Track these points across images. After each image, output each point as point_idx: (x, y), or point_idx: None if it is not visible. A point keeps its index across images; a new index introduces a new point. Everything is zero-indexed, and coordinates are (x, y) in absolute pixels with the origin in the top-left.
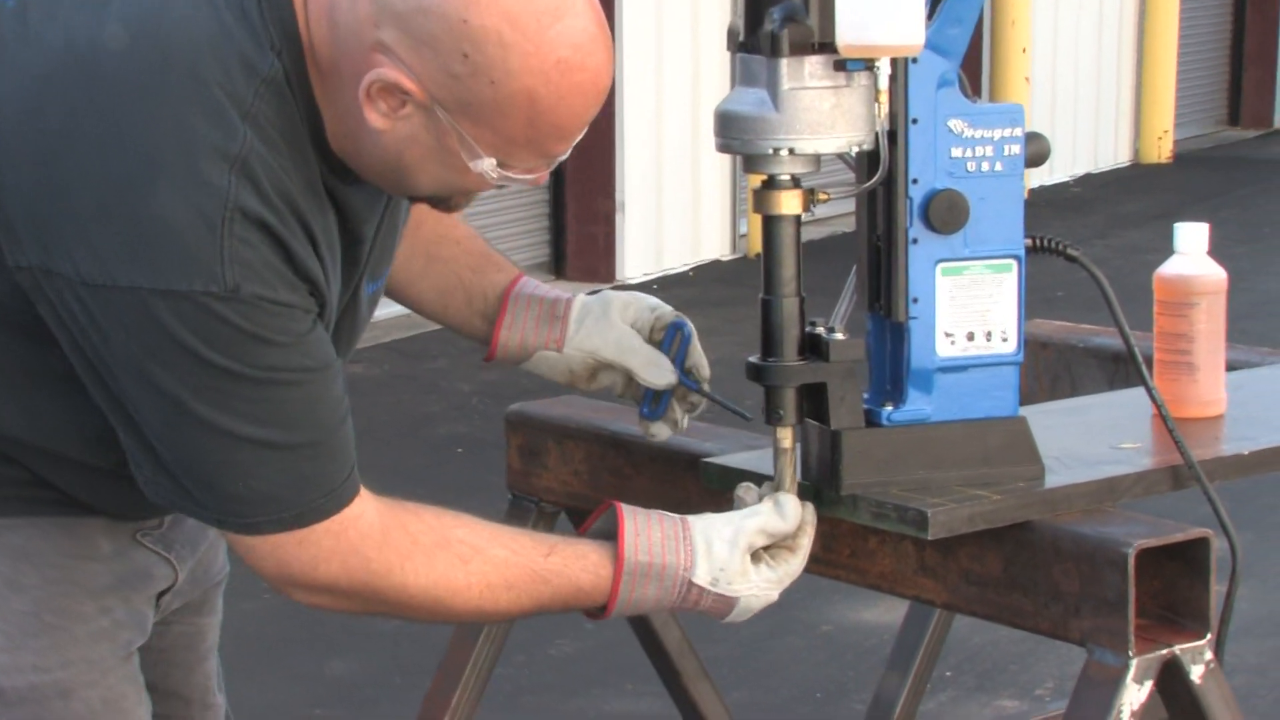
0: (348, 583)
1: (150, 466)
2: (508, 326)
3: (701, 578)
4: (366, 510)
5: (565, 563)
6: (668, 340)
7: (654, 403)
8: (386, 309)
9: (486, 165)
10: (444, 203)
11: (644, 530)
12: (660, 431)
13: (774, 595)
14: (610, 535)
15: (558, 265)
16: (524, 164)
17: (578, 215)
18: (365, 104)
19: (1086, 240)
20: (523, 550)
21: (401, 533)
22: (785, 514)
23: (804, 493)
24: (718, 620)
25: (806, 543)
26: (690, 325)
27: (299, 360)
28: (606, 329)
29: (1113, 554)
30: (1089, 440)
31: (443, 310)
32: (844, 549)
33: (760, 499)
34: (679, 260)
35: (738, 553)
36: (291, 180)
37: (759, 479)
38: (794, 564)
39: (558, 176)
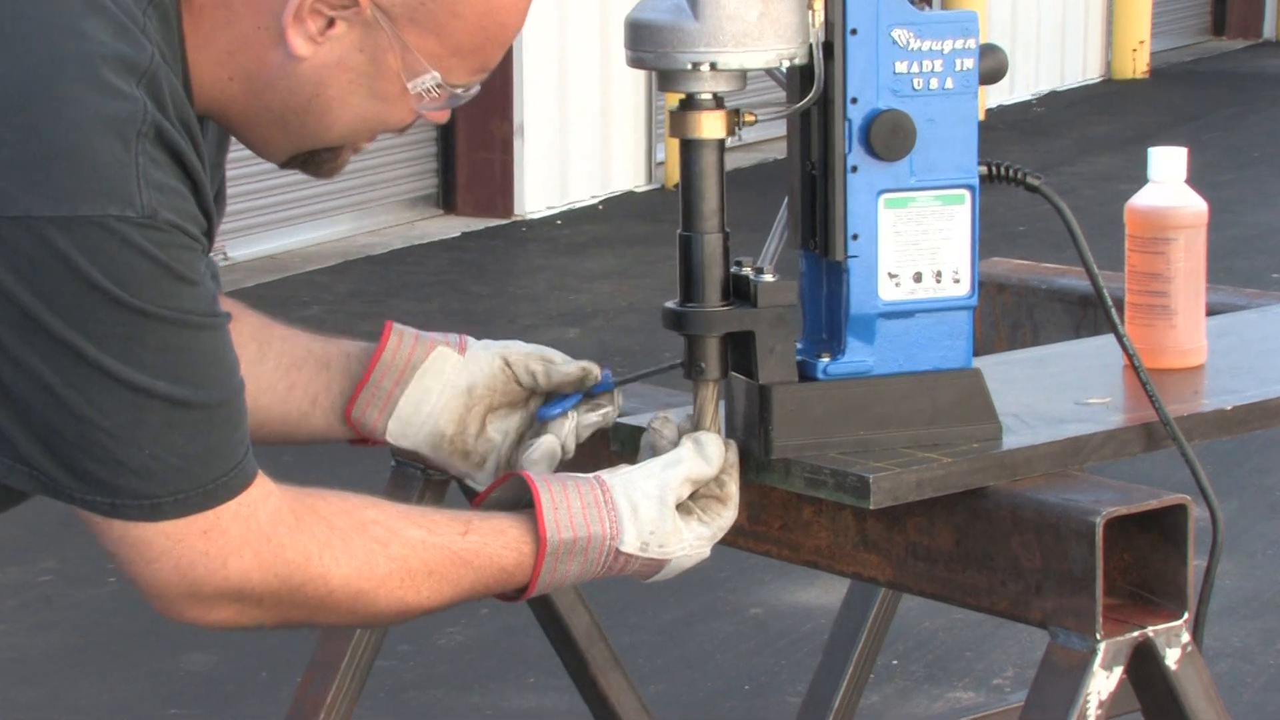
0: (260, 579)
1: (22, 445)
2: (396, 335)
3: (630, 545)
4: (272, 491)
5: (485, 541)
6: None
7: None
8: (250, 247)
9: (429, 81)
10: (331, 160)
11: (561, 502)
12: (540, 456)
13: (706, 552)
14: (513, 505)
15: (447, 199)
16: (464, 78)
17: (470, 140)
18: (292, 27)
19: (1051, 167)
20: (439, 529)
21: (314, 517)
22: (708, 457)
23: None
24: (642, 581)
25: (734, 489)
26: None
27: (208, 303)
28: (510, 341)
29: (1078, 524)
30: (1052, 395)
31: (287, 391)
32: (775, 521)
33: (679, 435)
34: (586, 192)
35: (667, 511)
36: (186, 110)
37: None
38: (726, 516)
39: None
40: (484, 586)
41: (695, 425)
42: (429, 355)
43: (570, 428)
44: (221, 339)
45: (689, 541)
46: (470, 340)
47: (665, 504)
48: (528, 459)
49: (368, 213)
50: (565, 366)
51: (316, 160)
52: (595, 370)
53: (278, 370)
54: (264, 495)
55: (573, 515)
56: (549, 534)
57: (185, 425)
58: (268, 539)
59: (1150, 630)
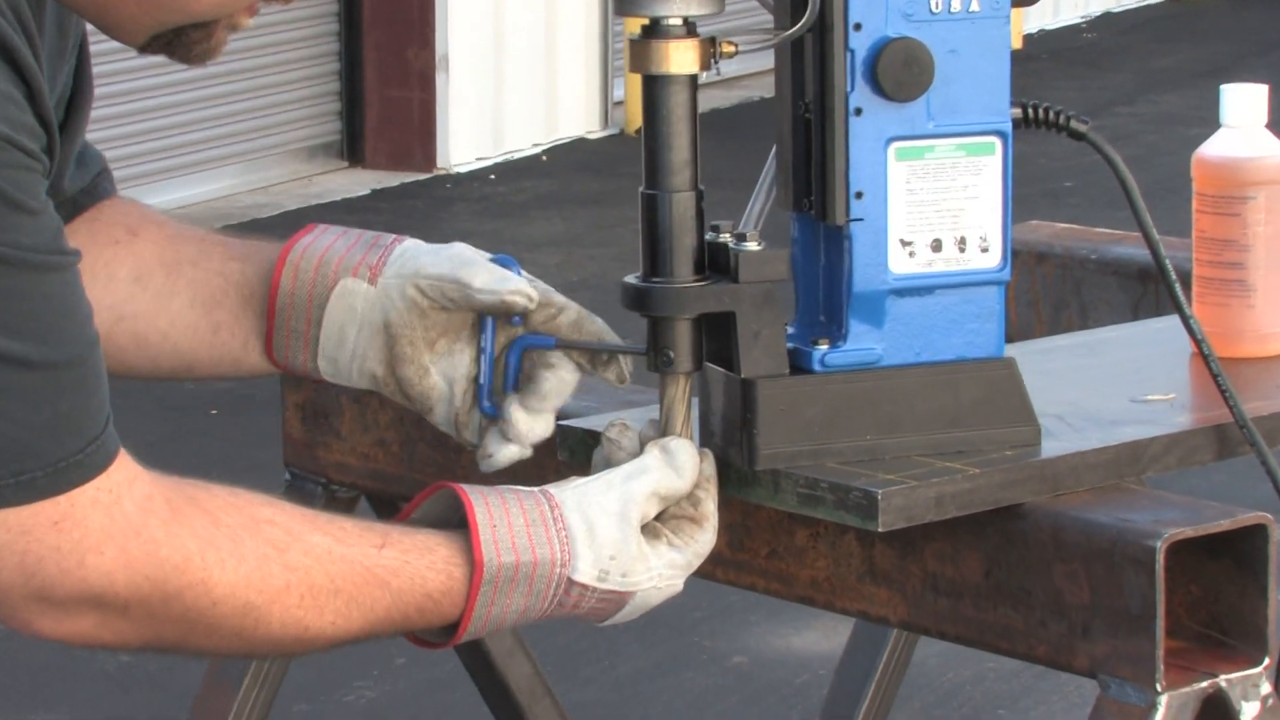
0: (126, 581)
1: None
2: (303, 247)
3: (585, 573)
4: (140, 475)
5: (406, 559)
6: (487, 331)
7: (498, 378)
8: None
9: None
10: (203, 40)
11: (501, 519)
12: (500, 453)
13: (679, 584)
14: (444, 524)
15: (352, 148)
16: None
17: (382, 75)
18: None
19: (1103, 108)
20: (349, 539)
21: (194, 509)
22: (680, 467)
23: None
24: (598, 624)
25: (712, 507)
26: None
27: (51, 238)
28: (439, 250)
29: (1135, 549)
30: (1103, 390)
31: (212, 334)
32: (761, 547)
33: (642, 444)
34: (527, 139)
35: (631, 532)
36: None
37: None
38: (703, 540)
39: (351, 18)
40: (403, 615)
41: (662, 429)
42: (332, 291)
43: (526, 425)
44: (70, 282)
45: (657, 570)
46: (390, 258)
47: (628, 523)
48: (489, 464)
49: (254, 165)
50: (481, 295)
51: (185, 41)
52: (519, 299)
53: (195, 308)
54: (129, 479)
55: (514, 535)
56: (485, 556)
57: (27, 390)
58: (136, 532)
59: (1223, 679)
